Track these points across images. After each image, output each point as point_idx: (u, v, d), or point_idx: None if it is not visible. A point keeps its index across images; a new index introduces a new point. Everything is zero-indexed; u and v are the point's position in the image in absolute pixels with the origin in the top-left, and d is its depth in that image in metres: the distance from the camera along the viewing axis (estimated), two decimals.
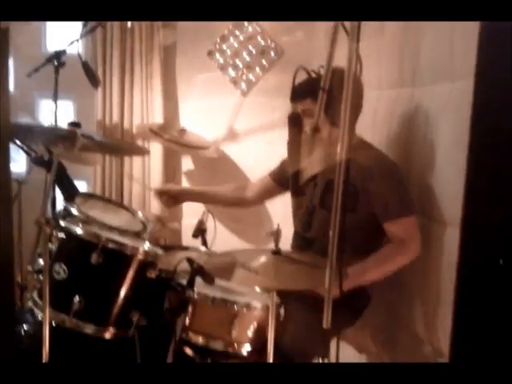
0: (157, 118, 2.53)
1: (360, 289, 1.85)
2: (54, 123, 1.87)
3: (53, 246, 1.54)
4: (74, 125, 1.53)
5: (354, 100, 1.77)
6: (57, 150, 1.46)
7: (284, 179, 2.06)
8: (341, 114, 1.15)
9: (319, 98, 1.25)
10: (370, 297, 1.90)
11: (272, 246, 1.45)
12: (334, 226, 1.20)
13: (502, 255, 1.21)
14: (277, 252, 1.40)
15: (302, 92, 1.71)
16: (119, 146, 1.98)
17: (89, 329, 1.53)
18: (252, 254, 1.45)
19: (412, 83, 1.88)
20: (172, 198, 2.22)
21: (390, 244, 1.75)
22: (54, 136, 1.50)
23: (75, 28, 2.25)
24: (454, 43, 1.62)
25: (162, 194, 2.24)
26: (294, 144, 1.29)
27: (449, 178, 1.68)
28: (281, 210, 2.31)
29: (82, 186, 2.50)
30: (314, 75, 1.23)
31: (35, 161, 1.59)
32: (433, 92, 1.76)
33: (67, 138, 1.48)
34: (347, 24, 1.14)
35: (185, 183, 2.72)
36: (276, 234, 1.38)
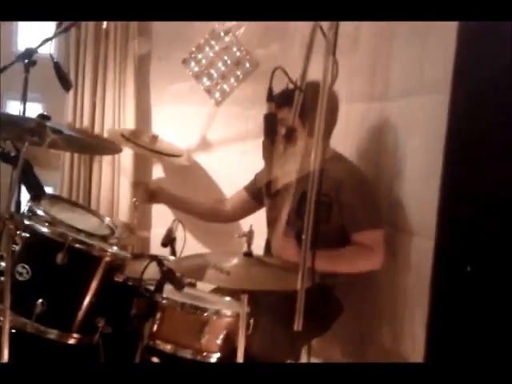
0: (128, 123, 2.50)
1: (332, 298, 1.86)
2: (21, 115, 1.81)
3: (16, 247, 1.48)
4: (43, 117, 1.49)
5: (329, 113, 1.82)
6: (24, 146, 1.41)
7: (259, 193, 2.07)
8: (315, 129, 1.17)
9: (295, 97, 1.27)
10: (343, 307, 1.91)
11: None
12: (306, 232, 1.20)
13: (470, 262, 1.25)
14: (248, 254, 1.39)
15: (280, 100, 1.74)
16: (90, 142, 1.92)
17: (52, 334, 1.46)
18: (223, 256, 1.44)
19: (383, 97, 1.93)
20: (147, 193, 2.19)
21: (355, 246, 1.78)
22: (22, 129, 1.45)
23: (48, 27, 2.22)
24: (424, 57, 1.68)
25: (138, 185, 2.21)
26: (269, 147, 1.29)
27: (416, 189, 1.72)
28: (252, 222, 2.31)
29: (48, 189, 2.43)
30: (290, 78, 1.25)
31: (1, 156, 1.54)
32: (403, 106, 1.81)
33: (36, 131, 1.43)
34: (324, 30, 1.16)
35: None
36: (248, 236, 1.37)
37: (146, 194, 2.19)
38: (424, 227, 1.64)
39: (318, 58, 1.23)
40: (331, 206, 1.79)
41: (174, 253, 1.99)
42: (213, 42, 2.56)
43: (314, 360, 1.97)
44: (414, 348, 1.69)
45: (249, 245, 1.40)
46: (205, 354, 1.54)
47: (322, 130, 1.18)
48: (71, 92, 2.38)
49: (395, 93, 1.87)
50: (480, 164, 1.13)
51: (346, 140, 2.06)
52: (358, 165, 1.95)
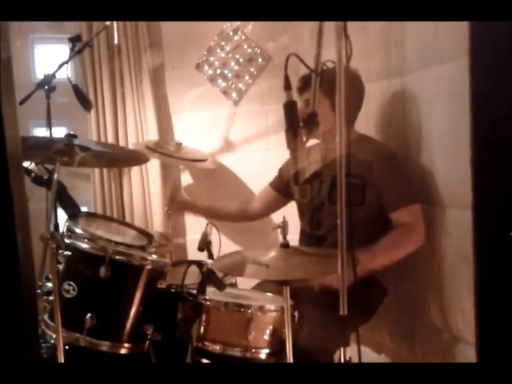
0: (151, 134, 2.53)
1: (375, 283, 1.83)
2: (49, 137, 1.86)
3: (59, 266, 1.52)
4: (70, 137, 1.53)
5: (355, 97, 1.81)
6: (56, 168, 1.45)
7: (285, 187, 2.06)
8: (336, 110, 1.16)
9: (312, 81, 1.26)
10: (387, 292, 1.88)
11: None
12: (340, 217, 1.20)
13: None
14: (285, 245, 1.39)
15: (300, 86, 1.75)
16: (118, 154, 1.96)
17: (104, 346, 1.50)
18: (261, 250, 1.44)
19: (400, 72, 1.90)
20: (178, 205, 2.25)
21: (395, 230, 1.74)
22: (51, 151, 1.49)
23: (63, 51, 2.27)
24: (439, 25, 1.64)
25: (171, 202, 2.27)
26: (292, 136, 1.29)
27: (446, 159, 1.68)
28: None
29: (83, 208, 2.49)
30: (305, 63, 1.24)
31: (35, 180, 1.59)
32: (422, 78, 1.78)
33: (65, 152, 1.47)
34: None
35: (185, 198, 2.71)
36: (283, 227, 1.37)
37: (177, 205, 2.25)
38: (459, 197, 1.60)
39: (330, 40, 1.23)
40: (364, 187, 1.77)
41: (211, 256, 2.01)
42: (223, 43, 2.57)
43: (363, 347, 1.95)
44: (464, 322, 1.65)
45: (284, 236, 1.40)
46: (253, 350, 1.54)
47: (343, 111, 1.17)
48: (92, 112, 2.44)
49: (412, 66, 1.83)
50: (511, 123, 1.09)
51: (367, 120, 2.03)
52: (384, 143, 1.92)
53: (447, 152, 1.67)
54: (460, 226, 1.62)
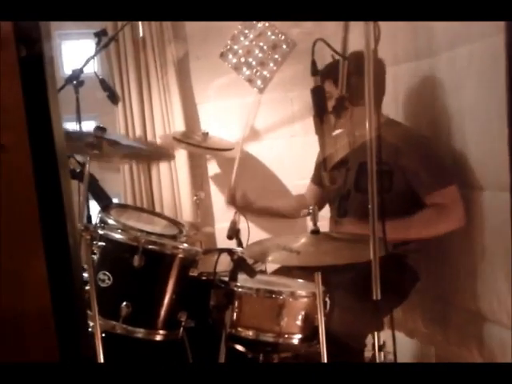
0: (178, 125, 2.55)
1: (407, 267, 1.82)
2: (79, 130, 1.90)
3: (94, 257, 1.56)
4: (100, 129, 1.56)
5: (377, 83, 1.79)
6: (87, 161, 1.48)
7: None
8: (365, 95, 1.15)
9: (340, 66, 1.25)
10: (419, 277, 1.86)
11: None
12: (372, 203, 1.18)
13: None
14: (316, 231, 1.39)
15: (322, 74, 1.72)
16: (145, 149, 1.99)
17: (139, 333, 1.54)
18: (291, 237, 1.45)
19: (429, 53, 1.86)
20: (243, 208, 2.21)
21: (431, 209, 1.72)
22: (83, 144, 1.52)
23: (89, 46, 2.31)
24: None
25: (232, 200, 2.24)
26: (320, 121, 1.28)
27: (480, 141, 1.65)
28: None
29: (114, 200, 2.54)
30: (333, 48, 1.23)
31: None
32: (451, 58, 1.73)
33: (95, 145, 1.50)
34: None
35: (213, 187, 2.73)
36: (313, 214, 1.37)
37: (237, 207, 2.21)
38: (496, 179, 1.57)
39: (357, 24, 1.21)
40: (392, 173, 1.75)
41: (240, 244, 2.02)
42: (246, 31, 2.56)
43: (397, 332, 1.94)
44: (500, 306, 1.62)
45: (314, 222, 1.40)
46: (286, 336, 1.55)
47: (372, 96, 1.15)
48: (120, 104, 2.47)
49: (441, 46, 1.79)
50: None
51: (395, 103, 2.00)
52: (412, 127, 1.89)
53: (481, 133, 1.64)
54: (496, 209, 1.59)
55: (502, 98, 1.02)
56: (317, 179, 2.15)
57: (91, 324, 1.48)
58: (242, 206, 2.23)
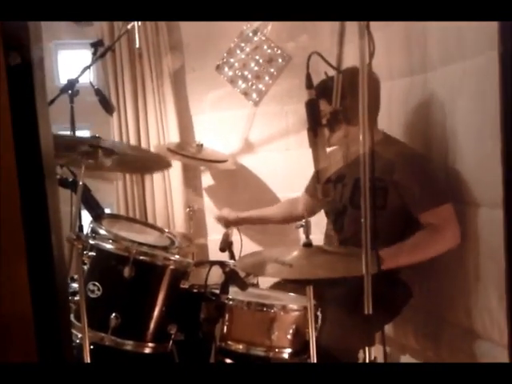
0: (173, 136, 2.56)
1: (400, 283, 1.81)
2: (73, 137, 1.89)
3: (84, 266, 1.54)
4: (95, 139, 1.55)
5: (372, 99, 1.79)
6: (81, 170, 1.48)
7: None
8: (359, 109, 1.15)
9: (335, 79, 1.25)
10: (412, 293, 1.85)
11: None
12: (365, 218, 1.18)
13: None
14: (308, 244, 1.39)
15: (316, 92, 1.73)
16: (141, 157, 1.97)
17: (128, 345, 1.52)
18: (283, 250, 1.44)
19: (423, 68, 1.87)
20: (228, 223, 2.24)
21: (425, 230, 1.71)
22: (77, 153, 1.52)
23: (85, 56, 2.31)
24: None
25: (220, 219, 2.27)
26: (314, 135, 1.28)
27: (474, 157, 1.65)
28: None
29: (106, 210, 2.53)
30: (327, 61, 1.23)
31: (60, 182, 1.62)
32: (445, 74, 1.75)
33: (89, 154, 1.49)
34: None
35: (206, 198, 2.73)
36: (306, 226, 1.36)
37: (228, 223, 2.24)
38: (488, 196, 1.57)
39: (351, 39, 1.22)
40: (387, 190, 1.75)
41: (232, 257, 2.01)
42: (243, 44, 2.57)
43: (389, 347, 1.93)
44: (492, 323, 1.61)
45: (307, 235, 1.39)
46: (277, 350, 1.54)
47: (366, 110, 1.16)
48: (115, 115, 2.48)
49: (436, 62, 1.80)
50: None
51: (389, 118, 2.01)
52: (408, 143, 1.89)
53: (474, 149, 1.64)
54: (489, 225, 1.59)
55: (496, 114, 1.03)
56: (311, 190, 2.15)
57: (79, 335, 1.46)
58: (234, 223, 2.22)
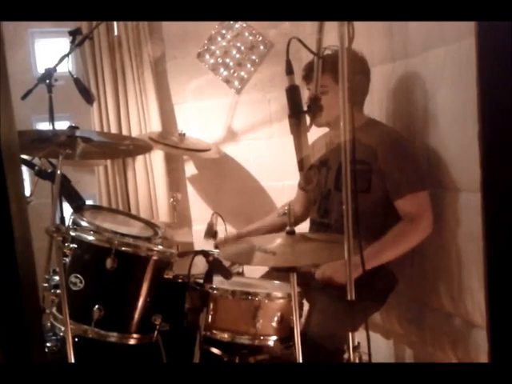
0: (154, 126, 2.53)
1: (386, 271, 1.82)
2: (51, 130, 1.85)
3: (66, 259, 1.52)
4: (72, 128, 1.52)
5: (362, 81, 1.78)
6: (59, 161, 1.45)
7: None
8: (339, 94, 1.14)
9: (315, 64, 1.24)
10: (397, 280, 1.87)
11: None
12: (346, 204, 1.18)
13: None
14: (291, 232, 1.38)
15: (306, 74, 1.72)
16: (120, 143, 1.93)
17: (112, 337, 1.50)
18: (267, 238, 1.44)
19: (404, 54, 1.87)
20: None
21: (402, 222, 1.72)
22: (54, 144, 1.48)
23: (63, 45, 2.26)
24: None
25: (222, 244, 2.20)
26: (295, 121, 1.27)
27: (454, 142, 1.66)
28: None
29: (88, 201, 2.50)
30: (307, 47, 1.22)
31: (39, 174, 1.59)
32: (426, 59, 1.75)
33: (67, 144, 1.46)
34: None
35: (190, 188, 2.71)
36: (288, 214, 1.36)
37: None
38: (468, 180, 1.58)
39: (331, 25, 1.21)
40: (370, 174, 1.74)
41: (217, 246, 2.01)
42: (224, 31, 2.54)
43: (372, 333, 1.95)
44: (474, 307, 1.64)
45: (290, 223, 1.39)
46: (262, 338, 1.54)
47: (346, 95, 1.15)
48: (95, 104, 2.43)
49: (417, 48, 1.80)
50: None
51: (371, 104, 2.00)
52: (392, 127, 1.89)
53: (455, 134, 1.65)
54: (470, 210, 1.60)
55: (474, 100, 1.03)
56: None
57: (63, 328, 1.44)
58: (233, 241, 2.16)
